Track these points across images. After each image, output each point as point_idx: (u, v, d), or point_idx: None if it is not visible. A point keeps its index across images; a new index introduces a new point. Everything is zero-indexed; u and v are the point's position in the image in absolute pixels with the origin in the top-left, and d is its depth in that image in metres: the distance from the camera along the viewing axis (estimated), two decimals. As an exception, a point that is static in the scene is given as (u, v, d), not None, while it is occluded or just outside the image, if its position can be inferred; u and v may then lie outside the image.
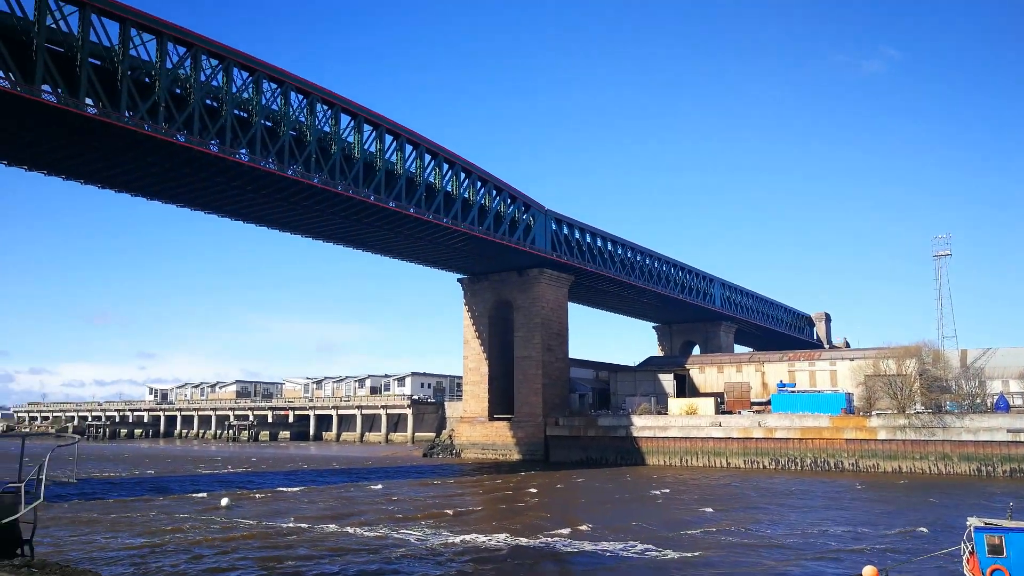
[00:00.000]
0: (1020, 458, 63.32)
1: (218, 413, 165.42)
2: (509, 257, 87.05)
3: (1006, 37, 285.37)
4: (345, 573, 27.82)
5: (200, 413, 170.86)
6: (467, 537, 34.49)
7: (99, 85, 47.58)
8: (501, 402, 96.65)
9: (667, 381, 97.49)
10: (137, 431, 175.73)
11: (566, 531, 36.39)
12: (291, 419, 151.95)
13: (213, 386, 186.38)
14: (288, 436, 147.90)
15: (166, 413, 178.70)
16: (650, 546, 32.18)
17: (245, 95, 56.74)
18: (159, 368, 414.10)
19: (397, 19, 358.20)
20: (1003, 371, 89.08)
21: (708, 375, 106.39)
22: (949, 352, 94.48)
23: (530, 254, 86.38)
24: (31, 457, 24.22)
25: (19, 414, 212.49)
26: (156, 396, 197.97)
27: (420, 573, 27.95)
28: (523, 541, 33.81)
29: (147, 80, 50.80)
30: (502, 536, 34.67)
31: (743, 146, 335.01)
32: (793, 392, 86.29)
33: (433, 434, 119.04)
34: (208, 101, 54.49)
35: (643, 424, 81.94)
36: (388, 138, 68.19)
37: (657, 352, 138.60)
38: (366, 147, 65.97)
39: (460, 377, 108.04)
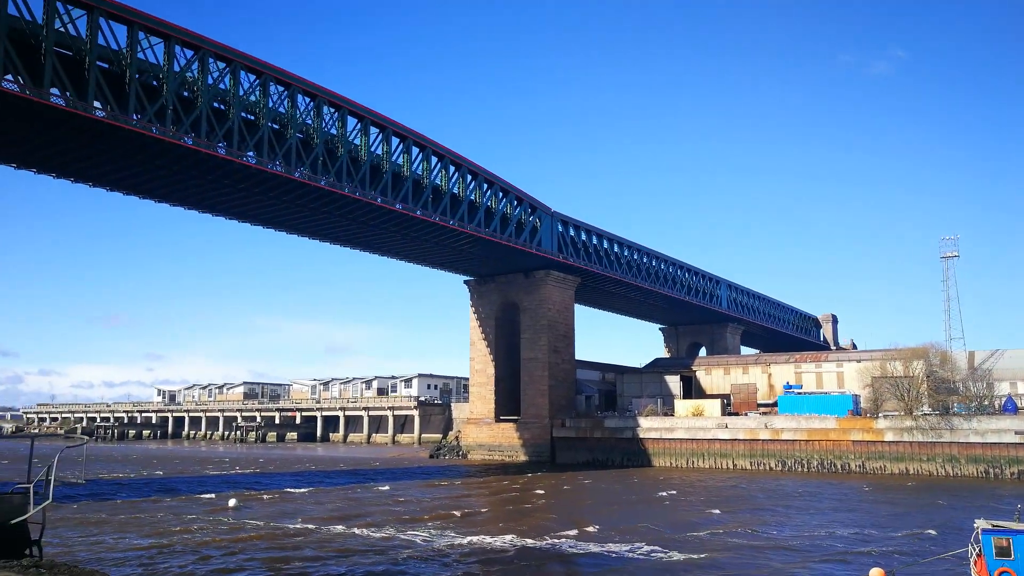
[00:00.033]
0: (1029, 460, 62.96)
1: (226, 414, 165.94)
2: (515, 259, 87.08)
3: (1014, 37, 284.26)
4: (352, 574, 27.90)
5: (208, 414, 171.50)
6: (474, 538, 34.54)
7: (107, 88, 47.78)
8: (507, 403, 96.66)
9: (673, 383, 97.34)
10: (145, 432, 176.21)
11: (573, 532, 36.40)
12: (298, 420, 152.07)
13: (221, 387, 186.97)
14: (295, 437, 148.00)
15: (174, 414, 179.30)
16: (656, 547, 32.19)
17: (252, 98, 56.97)
18: (167, 370, 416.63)
19: (398, 19, 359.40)
20: (1011, 373, 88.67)
21: (714, 377, 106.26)
22: (957, 354, 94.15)
23: (536, 256, 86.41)
24: (40, 458, 24.31)
25: (28, 415, 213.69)
26: (164, 397, 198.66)
27: (427, 574, 28.02)
28: (529, 542, 33.85)
29: (155, 83, 51.08)
30: (509, 537, 34.71)
31: (750, 148, 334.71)
32: (800, 394, 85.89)
33: (440, 435, 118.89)
34: (215, 104, 54.73)
35: (649, 426, 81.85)
36: (395, 140, 68.33)
37: (663, 354, 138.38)
38: (373, 149, 66.16)
39: (467, 379, 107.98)
